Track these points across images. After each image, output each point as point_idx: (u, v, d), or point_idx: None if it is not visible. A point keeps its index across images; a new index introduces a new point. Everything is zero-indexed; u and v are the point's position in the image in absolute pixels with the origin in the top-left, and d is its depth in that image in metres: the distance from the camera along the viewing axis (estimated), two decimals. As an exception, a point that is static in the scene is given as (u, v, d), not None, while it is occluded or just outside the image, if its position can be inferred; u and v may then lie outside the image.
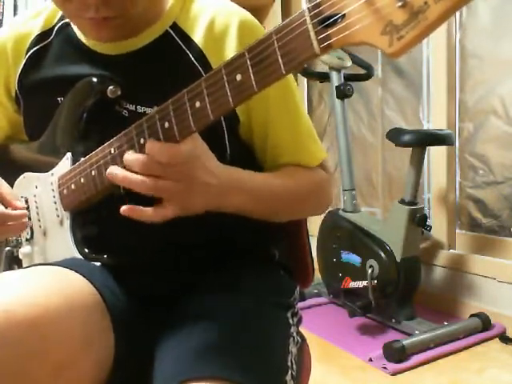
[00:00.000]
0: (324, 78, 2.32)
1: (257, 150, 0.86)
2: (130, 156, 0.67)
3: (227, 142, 0.81)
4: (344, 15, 0.45)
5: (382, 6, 0.42)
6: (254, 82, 0.56)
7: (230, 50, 0.79)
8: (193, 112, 0.62)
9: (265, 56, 0.54)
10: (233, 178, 0.73)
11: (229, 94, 0.58)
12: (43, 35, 0.88)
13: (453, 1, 0.37)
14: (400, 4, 0.41)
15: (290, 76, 0.84)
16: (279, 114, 0.83)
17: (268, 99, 0.80)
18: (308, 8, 0.48)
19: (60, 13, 0.88)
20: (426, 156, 2.03)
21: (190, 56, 0.80)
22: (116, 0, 0.71)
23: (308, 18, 0.48)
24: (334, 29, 0.46)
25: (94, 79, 0.80)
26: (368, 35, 0.44)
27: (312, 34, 0.48)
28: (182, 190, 0.67)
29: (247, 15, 0.84)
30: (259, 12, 2.76)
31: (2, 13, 2.31)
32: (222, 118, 0.79)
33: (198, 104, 0.62)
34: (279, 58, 0.52)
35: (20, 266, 0.93)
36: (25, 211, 0.86)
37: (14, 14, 2.33)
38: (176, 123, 0.64)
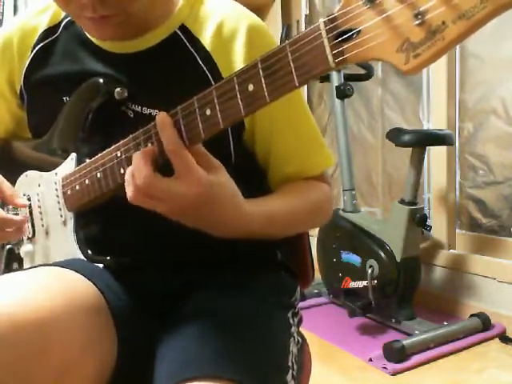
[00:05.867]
0: (324, 77, 2.32)
1: (259, 156, 0.85)
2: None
3: (232, 149, 0.81)
4: (360, 31, 0.45)
5: (399, 24, 0.42)
6: (266, 93, 0.56)
7: (238, 55, 0.79)
8: (203, 120, 0.62)
9: (278, 67, 0.54)
10: (240, 223, 0.72)
11: (240, 103, 0.59)
12: (50, 31, 0.87)
13: (470, 22, 0.37)
14: (417, 22, 0.41)
15: None
16: (284, 122, 0.83)
17: (273, 107, 0.79)
18: (324, 21, 0.48)
19: None
20: (426, 156, 2.03)
21: (198, 58, 0.79)
22: None
23: (324, 32, 0.48)
24: (350, 44, 0.46)
25: (101, 80, 0.79)
26: (384, 52, 0.44)
27: (327, 48, 0.48)
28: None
29: (256, 20, 0.83)
30: (259, 12, 2.75)
31: (2, 13, 2.31)
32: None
33: (208, 112, 0.62)
34: (293, 70, 0.52)
35: (21, 264, 0.93)
36: (25, 217, 0.86)
37: (14, 13, 2.32)
38: (185, 130, 0.64)
